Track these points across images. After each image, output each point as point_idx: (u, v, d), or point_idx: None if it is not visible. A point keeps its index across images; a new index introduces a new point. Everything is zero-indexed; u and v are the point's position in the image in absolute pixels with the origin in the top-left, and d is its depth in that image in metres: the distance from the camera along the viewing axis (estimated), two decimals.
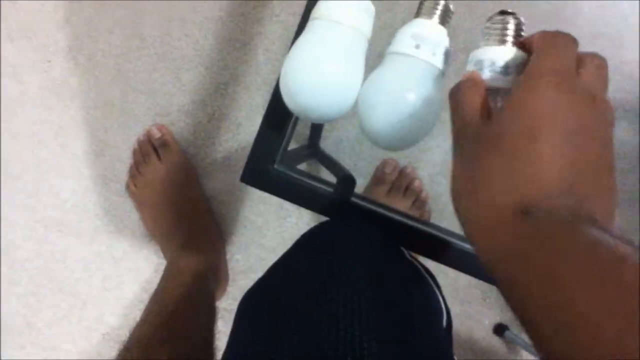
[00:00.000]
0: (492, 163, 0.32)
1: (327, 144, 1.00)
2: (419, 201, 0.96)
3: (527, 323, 0.27)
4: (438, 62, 0.48)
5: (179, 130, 1.00)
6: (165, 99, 1.00)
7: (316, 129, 0.91)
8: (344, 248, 0.51)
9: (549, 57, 0.35)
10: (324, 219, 0.94)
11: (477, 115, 0.37)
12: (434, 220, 0.98)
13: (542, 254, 0.27)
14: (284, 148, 0.57)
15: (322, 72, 0.47)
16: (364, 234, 0.54)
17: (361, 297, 0.45)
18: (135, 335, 0.76)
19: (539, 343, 0.26)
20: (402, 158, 0.98)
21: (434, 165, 0.98)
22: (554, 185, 0.30)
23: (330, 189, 0.56)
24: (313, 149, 0.94)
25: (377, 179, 0.97)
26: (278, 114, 0.55)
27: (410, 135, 0.48)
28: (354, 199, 0.56)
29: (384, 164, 0.97)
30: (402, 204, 0.94)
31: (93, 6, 0.98)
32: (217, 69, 0.99)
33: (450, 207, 0.93)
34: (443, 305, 0.55)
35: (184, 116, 1.00)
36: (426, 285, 0.56)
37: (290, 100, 0.50)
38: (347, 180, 0.56)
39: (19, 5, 0.99)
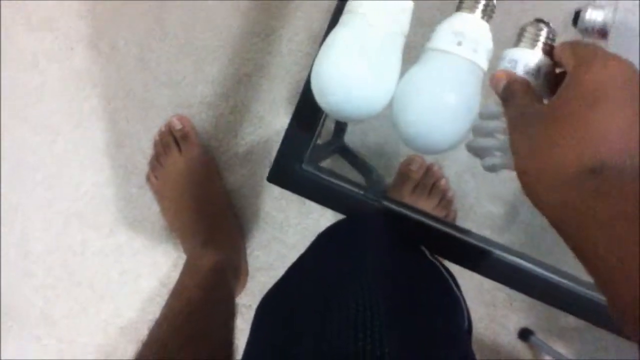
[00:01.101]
0: (559, 132, 0.33)
1: (351, 138, 0.97)
2: (445, 201, 0.93)
3: (589, 261, 0.31)
4: (480, 60, 0.45)
5: (200, 123, 0.98)
6: (188, 90, 0.98)
7: (341, 124, 0.88)
8: (363, 249, 0.50)
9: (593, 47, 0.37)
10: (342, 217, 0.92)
11: (534, 99, 0.39)
12: (460, 220, 0.95)
13: (610, 207, 0.29)
14: (313, 147, 0.55)
15: (357, 72, 0.45)
16: (384, 232, 0.52)
17: (380, 301, 0.44)
18: (154, 335, 0.74)
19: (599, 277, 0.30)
20: (428, 155, 0.95)
21: (460, 164, 0.95)
22: (619, 146, 0.31)
23: (360, 191, 0.54)
24: (338, 144, 0.91)
25: (402, 176, 0.94)
26: (308, 112, 0.53)
27: (448, 139, 0.46)
28: (384, 202, 0.54)
29: (410, 160, 0.94)
30: (427, 204, 0.92)
31: None
32: (240, 60, 0.97)
33: (476, 207, 0.90)
34: (464, 307, 0.54)
35: (206, 108, 0.98)
36: (446, 287, 0.54)
37: (322, 99, 0.48)
38: (378, 184, 0.53)
39: None
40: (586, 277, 0.53)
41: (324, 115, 0.54)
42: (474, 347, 0.95)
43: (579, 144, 0.32)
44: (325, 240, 0.59)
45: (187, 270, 0.89)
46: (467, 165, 0.95)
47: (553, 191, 0.33)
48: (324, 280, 0.50)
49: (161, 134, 0.97)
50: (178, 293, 0.84)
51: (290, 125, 0.53)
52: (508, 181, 0.94)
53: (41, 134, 1.01)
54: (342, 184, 0.54)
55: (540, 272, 0.53)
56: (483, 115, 0.46)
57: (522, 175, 0.36)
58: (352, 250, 0.52)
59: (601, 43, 0.51)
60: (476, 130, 0.46)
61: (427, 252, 0.57)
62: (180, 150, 0.95)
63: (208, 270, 0.88)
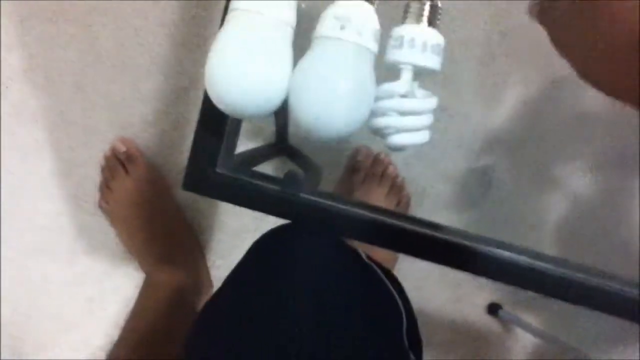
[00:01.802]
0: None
1: (299, 139, 0.97)
2: (396, 187, 0.93)
3: None
4: (366, 42, 0.45)
5: (144, 142, 0.98)
6: (127, 111, 0.97)
7: (280, 123, 0.88)
8: (290, 264, 0.49)
9: None
10: None
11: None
12: (414, 204, 0.95)
13: None
14: (227, 149, 0.54)
15: (242, 67, 0.44)
16: (315, 241, 0.51)
17: (304, 325, 0.44)
18: (113, 358, 0.74)
19: None
20: (375, 144, 0.95)
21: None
22: None
23: (277, 188, 0.53)
24: (281, 145, 0.91)
25: (351, 168, 0.94)
26: (213, 115, 0.52)
27: (347, 124, 0.46)
28: (303, 195, 0.54)
29: (356, 152, 0.95)
30: (378, 192, 0.92)
31: (44, 24, 0.96)
32: (176, 74, 0.96)
33: (428, 189, 0.90)
34: (402, 309, 0.53)
35: (148, 126, 0.98)
36: (382, 291, 0.53)
37: (217, 99, 0.47)
38: (293, 174, 0.53)
39: None
40: (547, 251, 0.53)
41: (232, 118, 0.54)
42: (445, 327, 0.95)
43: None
44: (256, 253, 0.58)
45: (145, 289, 0.89)
46: (413, 150, 0.95)
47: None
48: (251, 303, 0.49)
49: (106, 159, 0.97)
50: (136, 313, 0.84)
51: (197, 130, 0.53)
52: (454, 158, 0.94)
53: None
54: (259, 182, 0.53)
55: (495, 252, 0.53)
56: (377, 96, 0.46)
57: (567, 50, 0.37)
58: (280, 269, 0.50)
59: None
60: (372, 112, 0.46)
61: (363, 256, 0.56)
62: (127, 172, 0.94)
63: (166, 286, 0.88)
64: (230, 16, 0.47)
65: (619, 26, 0.32)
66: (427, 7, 0.45)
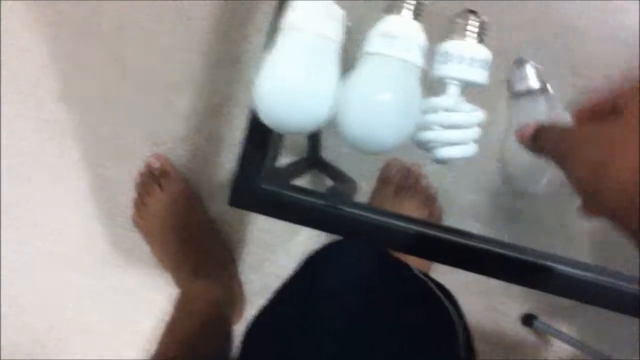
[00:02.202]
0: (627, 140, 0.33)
1: (329, 153, 0.98)
2: (428, 199, 0.93)
3: None
4: (414, 58, 0.46)
5: (177, 158, 0.99)
6: (160, 128, 0.99)
7: (314, 138, 0.89)
8: (339, 280, 0.49)
9: None
10: None
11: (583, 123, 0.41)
12: (445, 215, 0.95)
13: None
14: (270, 165, 0.55)
15: (291, 84, 0.45)
16: (365, 256, 0.51)
17: (355, 337, 0.44)
18: None
19: None
20: (406, 156, 0.95)
21: None
22: None
23: (320, 201, 0.54)
24: (314, 159, 0.92)
25: (382, 181, 0.94)
26: (258, 132, 0.53)
27: (393, 137, 0.46)
28: (348, 209, 0.54)
29: (388, 165, 0.95)
30: (410, 204, 0.92)
31: (76, 41, 0.98)
32: (209, 91, 0.98)
33: (458, 200, 0.90)
34: (458, 325, 0.52)
35: (181, 143, 0.99)
36: (435, 305, 0.53)
37: (264, 115, 0.48)
38: (337, 189, 0.54)
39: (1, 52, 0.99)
40: (581, 259, 0.53)
41: (276, 133, 0.54)
42: (478, 338, 0.94)
43: None
44: (304, 271, 0.58)
45: (179, 303, 0.89)
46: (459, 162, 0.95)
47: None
48: (298, 321, 0.49)
49: (141, 175, 0.98)
50: (171, 327, 0.85)
51: (243, 147, 0.54)
52: (485, 169, 0.94)
53: (21, 189, 1.02)
54: (303, 196, 0.54)
55: (528, 260, 0.53)
56: (423, 110, 0.47)
57: (586, 195, 0.36)
58: (328, 285, 0.50)
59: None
60: (418, 125, 0.47)
61: (414, 270, 0.56)
62: (161, 188, 0.96)
63: (200, 301, 0.88)
64: (279, 35, 0.48)
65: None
66: (474, 23, 0.46)
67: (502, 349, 0.98)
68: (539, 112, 0.51)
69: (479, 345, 0.99)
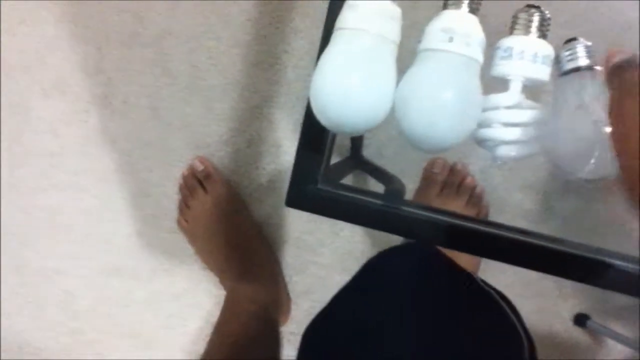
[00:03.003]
0: None
1: (370, 151, 0.97)
2: (474, 197, 0.92)
3: None
4: (474, 53, 0.45)
5: (220, 160, 1.00)
6: (203, 131, 0.99)
7: (357, 138, 0.88)
8: (402, 287, 0.49)
9: None
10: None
11: None
12: (493, 214, 0.94)
13: None
14: (326, 165, 0.55)
15: (349, 84, 0.45)
16: (427, 264, 0.51)
17: (421, 343, 0.43)
18: None
19: None
20: (451, 154, 0.94)
21: (485, 159, 0.94)
22: None
23: (378, 201, 0.53)
24: (356, 159, 0.92)
25: (427, 180, 0.93)
26: (314, 132, 0.53)
27: (454, 134, 0.45)
28: (405, 208, 0.53)
29: (432, 163, 0.94)
30: (456, 203, 0.91)
31: (120, 50, 0.99)
32: (249, 93, 0.98)
33: (507, 199, 0.89)
34: (522, 333, 0.51)
35: (223, 145, 0.99)
36: (499, 315, 0.52)
37: (322, 116, 0.48)
38: (394, 189, 0.53)
39: (48, 61, 1.01)
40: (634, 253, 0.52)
41: (331, 133, 0.54)
42: None
43: None
44: (366, 277, 0.58)
45: (226, 306, 0.90)
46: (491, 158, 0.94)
47: None
48: (363, 324, 0.49)
49: (185, 178, 0.99)
50: (219, 329, 0.85)
51: (299, 148, 0.53)
52: (535, 168, 0.93)
53: (69, 194, 1.04)
54: (360, 196, 0.54)
55: (582, 254, 0.52)
56: (484, 107, 0.46)
57: None
58: (392, 291, 0.51)
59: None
60: (478, 123, 0.46)
61: (477, 279, 0.55)
62: (205, 190, 0.96)
63: (246, 302, 0.89)
64: (336, 34, 0.47)
65: None
66: (536, 18, 0.45)
67: (555, 350, 0.96)
68: (587, 90, 0.49)
69: None
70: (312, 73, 0.47)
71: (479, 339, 0.47)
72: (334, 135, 0.59)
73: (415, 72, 0.46)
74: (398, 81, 0.48)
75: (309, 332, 0.53)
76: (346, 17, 0.47)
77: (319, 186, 0.54)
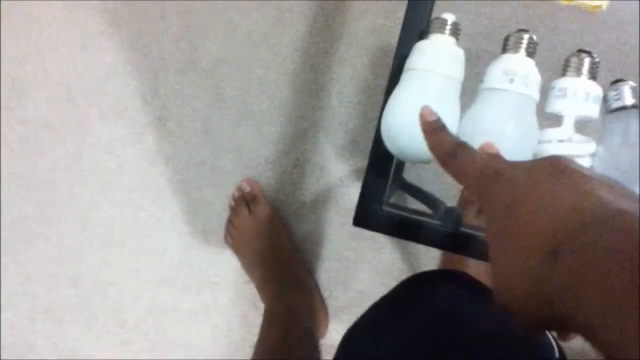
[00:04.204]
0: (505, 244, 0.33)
1: (409, 174, 1.03)
2: None
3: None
4: (532, 92, 0.51)
5: (267, 180, 1.06)
6: (251, 153, 1.06)
7: (400, 163, 0.94)
8: (441, 303, 0.53)
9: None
10: (415, 247, 0.97)
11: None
12: None
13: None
14: (389, 189, 0.61)
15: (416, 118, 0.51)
16: (460, 289, 0.56)
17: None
18: None
19: None
20: None
21: None
22: (559, 221, 0.30)
23: (437, 222, 0.59)
24: (398, 181, 0.97)
25: (464, 201, 0.99)
26: (380, 159, 0.59)
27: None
28: (463, 228, 0.59)
29: None
30: None
31: (176, 76, 1.06)
32: (296, 118, 1.04)
33: None
34: (553, 342, 0.56)
35: (270, 166, 1.06)
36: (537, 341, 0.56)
37: (393, 146, 0.54)
38: (452, 211, 0.59)
39: (106, 86, 1.09)
40: None
41: (395, 160, 0.60)
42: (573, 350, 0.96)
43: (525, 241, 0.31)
44: (403, 296, 0.62)
45: (266, 318, 0.97)
46: None
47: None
48: (397, 342, 0.54)
49: (234, 198, 1.06)
50: (260, 340, 0.92)
51: (368, 172, 0.59)
52: None
53: (123, 210, 1.10)
54: (420, 218, 0.59)
55: None
56: (540, 140, 0.52)
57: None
58: (428, 313, 0.55)
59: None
60: (534, 154, 0.52)
61: None
62: (250, 211, 1.03)
63: (284, 314, 0.95)
64: (407, 74, 0.54)
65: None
66: (587, 62, 0.51)
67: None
68: (632, 128, 0.55)
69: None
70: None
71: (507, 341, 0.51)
72: (403, 164, 0.65)
73: (480, 109, 0.52)
74: (461, 115, 0.54)
75: (349, 335, 0.58)
76: (418, 59, 0.53)
77: (384, 207, 0.59)
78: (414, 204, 0.97)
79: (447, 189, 1.02)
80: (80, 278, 1.12)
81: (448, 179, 1.01)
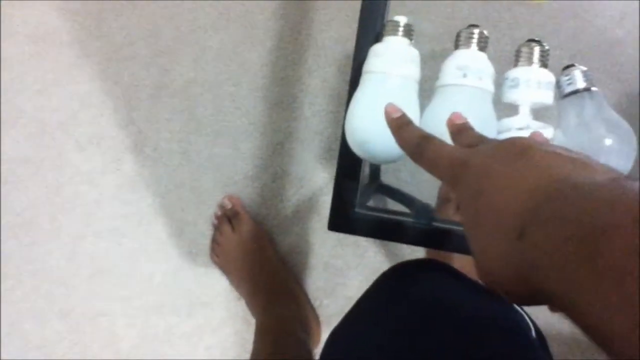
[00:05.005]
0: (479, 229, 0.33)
1: (387, 177, 1.04)
2: None
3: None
4: (486, 85, 0.53)
5: (248, 195, 1.07)
6: (230, 170, 1.07)
7: (375, 167, 0.96)
8: (422, 292, 0.55)
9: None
10: (397, 247, 0.98)
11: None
12: None
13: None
14: (360, 191, 0.62)
15: (378, 119, 0.52)
16: (437, 275, 0.57)
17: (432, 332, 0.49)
18: None
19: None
20: None
21: None
22: (519, 202, 0.31)
23: (410, 220, 0.60)
24: (376, 185, 0.99)
25: (443, 199, 1.00)
26: (349, 163, 0.60)
27: None
28: (435, 223, 0.60)
29: None
30: None
31: (150, 100, 1.07)
32: (271, 131, 1.06)
33: None
34: (527, 318, 0.57)
35: (250, 182, 1.07)
36: (508, 310, 0.58)
37: (358, 148, 0.55)
38: (424, 207, 0.60)
39: (81, 116, 1.09)
40: None
41: (363, 162, 0.61)
42: (554, 340, 0.98)
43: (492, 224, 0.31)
44: (383, 288, 0.63)
45: (257, 333, 0.97)
46: None
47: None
48: (386, 333, 0.55)
49: (217, 217, 1.06)
50: (253, 354, 0.93)
51: (337, 177, 0.60)
52: None
53: (108, 239, 1.10)
54: (393, 216, 0.60)
55: None
56: (498, 130, 0.53)
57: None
58: (403, 304, 0.56)
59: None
60: None
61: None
62: (232, 228, 1.04)
63: (275, 327, 0.96)
64: (365, 77, 0.55)
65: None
66: (537, 50, 0.52)
67: (578, 349, 1.01)
68: (586, 110, 0.56)
69: (557, 348, 1.03)
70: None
71: (485, 327, 0.53)
72: (364, 164, 0.66)
73: (437, 105, 0.53)
74: (421, 112, 0.55)
75: (330, 337, 0.59)
76: (374, 62, 0.54)
77: (357, 210, 0.60)
78: (395, 205, 0.99)
79: (428, 190, 1.03)
80: (71, 311, 1.12)
81: (425, 178, 1.02)
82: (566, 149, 0.33)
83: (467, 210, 0.34)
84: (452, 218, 0.97)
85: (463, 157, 0.37)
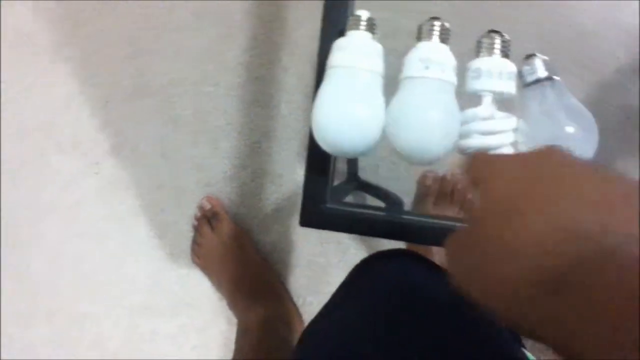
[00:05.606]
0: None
1: (365, 173, 1.05)
2: (467, 203, 0.99)
3: None
4: (449, 77, 0.53)
5: (227, 195, 1.07)
6: (210, 170, 1.07)
7: (352, 162, 0.96)
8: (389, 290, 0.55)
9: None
10: (379, 243, 0.99)
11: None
12: None
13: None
14: (331, 186, 0.62)
15: (349, 113, 0.53)
16: (408, 264, 0.58)
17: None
18: None
19: None
20: (439, 166, 1.02)
21: None
22: (559, 244, 0.27)
23: (381, 213, 0.61)
24: (354, 181, 0.99)
25: (421, 193, 1.01)
26: (318, 158, 0.60)
27: (441, 147, 0.53)
28: (406, 216, 0.61)
29: (423, 177, 1.01)
30: (451, 210, 0.98)
31: (127, 102, 1.07)
32: (249, 130, 1.06)
33: None
34: None
35: (229, 181, 1.07)
36: None
37: (325, 143, 0.55)
38: (395, 201, 0.60)
39: (60, 119, 1.09)
40: None
41: (332, 157, 0.62)
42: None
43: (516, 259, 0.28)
44: (355, 277, 0.64)
45: (239, 332, 0.98)
46: None
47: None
48: (369, 325, 0.55)
49: (197, 218, 1.06)
50: (236, 353, 0.92)
51: (307, 173, 0.61)
52: None
53: (90, 241, 1.10)
54: (364, 210, 0.61)
55: None
56: (463, 121, 0.54)
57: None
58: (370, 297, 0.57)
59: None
60: (459, 134, 0.54)
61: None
62: (212, 228, 1.04)
63: (256, 325, 0.96)
64: (329, 72, 0.55)
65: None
66: (498, 41, 0.53)
67: None
68: (548, 99, 0.57)
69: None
70: (310, 106, 0.55)
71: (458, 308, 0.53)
72: (335, 160, 0.67)
73: (401, 98, 0.54)
74: (386, 106, 0.56)
75: (304, 330, 0.59)
76: (337, 57, 0.55)
77: (328, 205, 0.61)
78: (375, 202, 0.99)
79: (403, 184, 1.04)
80: (56, 313, 1.11)
81: (402, 172, 1.03)
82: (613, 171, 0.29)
83: (485, 223, 0.30)
84: (429, 211, 0.98)
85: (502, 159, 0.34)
